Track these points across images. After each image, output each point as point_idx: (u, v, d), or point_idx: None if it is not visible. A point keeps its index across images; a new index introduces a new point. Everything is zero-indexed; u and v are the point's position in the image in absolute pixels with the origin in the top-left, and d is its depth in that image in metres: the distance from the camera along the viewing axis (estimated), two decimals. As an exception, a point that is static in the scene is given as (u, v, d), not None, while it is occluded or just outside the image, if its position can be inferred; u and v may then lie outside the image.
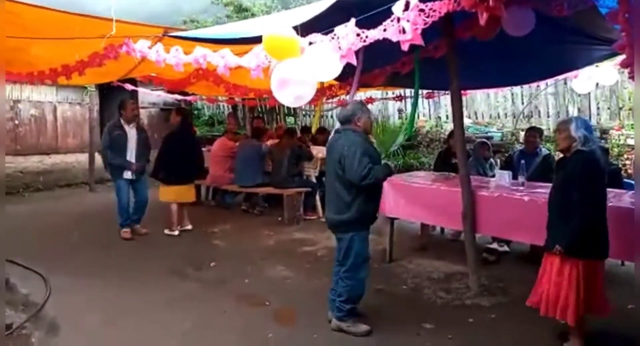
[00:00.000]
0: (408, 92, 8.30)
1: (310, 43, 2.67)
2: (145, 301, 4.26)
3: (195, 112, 13.40)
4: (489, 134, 8.55)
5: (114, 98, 9.85)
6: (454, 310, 4.08)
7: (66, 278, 4.67)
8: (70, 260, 5.33)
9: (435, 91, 7.54)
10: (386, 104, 10.38)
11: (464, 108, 9.61)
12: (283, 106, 11.51)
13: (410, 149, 9.36)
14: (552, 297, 3.21)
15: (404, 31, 2.31)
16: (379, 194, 3.72)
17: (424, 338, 3.59)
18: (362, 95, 8.24)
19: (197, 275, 4.98)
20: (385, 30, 2.37)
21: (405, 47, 2.38)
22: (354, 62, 2.59)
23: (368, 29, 2.47)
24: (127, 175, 6.10)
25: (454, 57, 4.28)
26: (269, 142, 7.81)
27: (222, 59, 3.36)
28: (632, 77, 3.31)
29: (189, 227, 6.66)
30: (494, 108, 9.33)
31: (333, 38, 2.53)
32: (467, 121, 9.26)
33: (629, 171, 6.10)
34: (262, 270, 5.07)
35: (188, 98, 9.61)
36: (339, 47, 2.49)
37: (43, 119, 10.11)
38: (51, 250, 5.69)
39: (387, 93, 8.58)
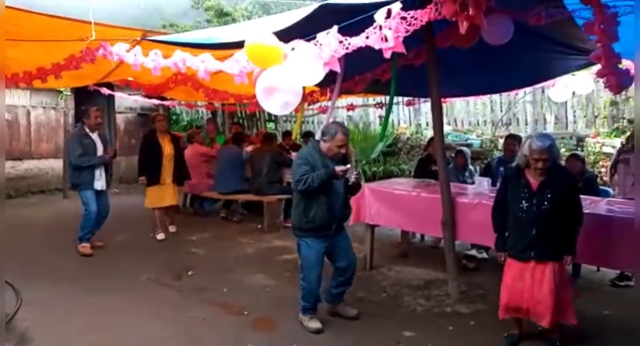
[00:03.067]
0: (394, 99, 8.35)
1: (293, 49, 2.64)
2: (123, 310, 4.15)
3: (174, 117, 13.25)
4: (468, 141, 8.65)
5: (90, 102, 9.67)
6: (434, 318, 4.07)
7: (39, 288, 4.53)
8: (43, 269, 5.18)
9: (415, 98, 7.59)
10: (367, 111, 10.42)
11: (444, 116, 9.75)
12: (263, 112, 11.48)
13: (390, 156, 9.41)
14: (550, 305, 3.28)
15: (386, 39, 2.31)
16: (326, 204, 3.64)
17: (405, 346, 3.58)
18: (343, 101, 8.25)
19: (175, 284, 4.88)
20: (367, 37, 2.37)
21: (387, 55, 2.38)
22: (338, 69, 2.58)
23: (350, 36, 2.47)
24: (98, 185, 5.69)
25: (434, 64, 4.30)
26: (249, 148, 7.75)
27: (203, 63, 3.32)
28: (608, 87, 3.40)
29: (174, 229, 6.70)
30: (473, 116, 9.45)
31: (315, 45, 2.51)
32: (446, 128, 9.35)
33: (604, 178, 6.22)
34: (241, 279, 5.00)
35: (166, 103, 9.49)
36: (322, 55, 2.47)
37: (16, 124, 9.84)
38: (23, 258, 5.51)
39: (368, 100, 8.61)
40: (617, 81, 3.34)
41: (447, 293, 4.48)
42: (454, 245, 4.47)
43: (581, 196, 4.44)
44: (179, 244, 6.29)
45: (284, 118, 11.86)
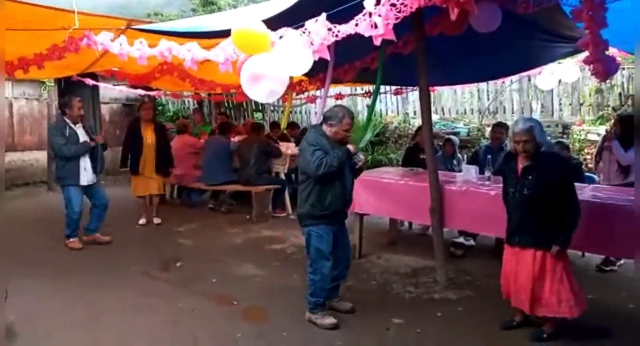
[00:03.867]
0: (381, 88, 8.34)
1: (281, 37, 2.61)
2: (112, 303, 4.13)
3: (160, 107, 13.08)
4: (456, 130, 8.68)
5: (74, 93, 9.49)
6: (423, 304, 4.11)
7: (26, 281, 4.45)
8: (29, 262, 5.09)
9: (403, 87, 7.58)
10: (355, 100, 10.39)
11: (432, 104, 9.77)
12: (251, 101, 11.39)
13: (378, 145, 9.42)
14: (539, 293, 3.29)
15: (375, 26, 2.29)
16: (340, 189, 3.61)
17: (393, 333, 3.61)
18: (331, 91, 8.20)
19: (164, 276, 4.86)
20: (357, 25, 2.35)
21: (377, 42, 2.36)
22: (328, 57, 2.55)
23: (339, 23, 2.44)
24: (84, 180, 5.45)
25: (423, 53, 4.29)
26: (236, 139, 7.70)
27: (189, 52, 3.27)
28: (595, 74, 3.41)
29: (158, 220, 6.66)
30: (460, 105, 9.47)
31: (304, 33, 2.48)
32: (434, 117, 9.33)
33: (589, 165, 6.29)
34: (230, 269, 4.99)
35: (152, 93, 9.36)
36: (311, 42, 2.45)
37: (-2, 115, 9.65)
38: (8, 252, 5.43)
39: (356, 90, 8.59)
40: (604, 68, 3.36)
41: (435, 280, 4.53)
42: (442, 233, 4.51)
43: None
44: (166, 235, 6.25)
45: (272, 108, 11.79)
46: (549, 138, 7.12)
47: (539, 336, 3.41)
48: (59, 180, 5.58)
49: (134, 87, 8.79)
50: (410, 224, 6.37)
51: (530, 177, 3.29)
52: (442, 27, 4.08)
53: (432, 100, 9.62)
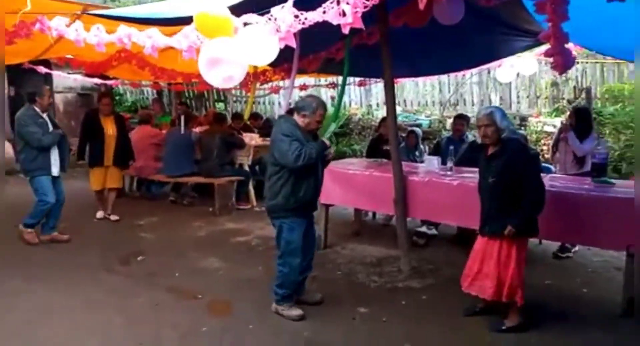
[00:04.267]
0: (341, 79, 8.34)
1: (245, 24, 2.55)
2: (70, 300, 3.98)
3: (117, 97, 12.69)
4: (418, 121, 8.81)
5: (25, 81, 9.08)
6: (387, 293, 4.16)
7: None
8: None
9: (367, 79, 7.61)
10: (319, 91, 10.37)
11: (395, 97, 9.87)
12: (213, 91, 11.19)
13: (342, 137, 9.44)
14: (484, 277, 3.36)
15: (344, 14, 2.26)
16: (313, 180, 3.58)
17: (359, 322, 3.64)
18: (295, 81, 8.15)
19: (124, 270, 4.72)
20: (325, 12, 2.31)
21: (345, 31, 2.34)
22: (294, 44, 2.51)
23: (307, 11, 2.40)
24: (55, 170, 5.28)
25: (387, 44, 4.31)
26: (198, 129, 7.54)
27: (150, 38, 3.15)
28: (554, 67, 3.50)
29: (116, 217, 6.39)
30: (422, 97, 9.62)
31: (270, 19, 2.43)
32: (397, 109, 9.46)
33: (546, 156, 6.51)
34: (192, 263, 4.89)
35: (109, 82, 9.05)
36: (277, 30, 2.40)
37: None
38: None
39: (320, 81, 8.57)
40: (564, 61, 3.46)
41: (399, 269, 4.59)
42: (405, 222, 4.57)
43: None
44: (126, 229, 6.08)
45: (234, 98, 11.62)
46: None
47: (498, 328, 3.45)
48: (29, 172, 5.29)
49: (90, 75, 8.46)
50: (374, 214, 6.43)
51: (494, 165, 3.34)
52: (406, 19, 4.10)
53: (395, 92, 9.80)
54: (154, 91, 11.80)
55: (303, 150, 3.35)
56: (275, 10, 2.42)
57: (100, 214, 6.44)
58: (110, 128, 6.17)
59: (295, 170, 3.44)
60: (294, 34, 2.43)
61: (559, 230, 4.01)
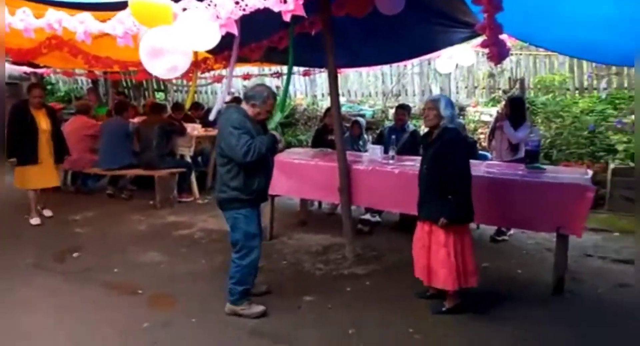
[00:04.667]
0: (286, 69, 8.26)
1: (184, 9, 2.45)
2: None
3: (49, 86, 11.98)
4: (362, 112, 8.89)
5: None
6: (333, 281, 4.20)
7: None
8: None
9: (311, 69, 7.58)
10: (264, 81, 10.25)
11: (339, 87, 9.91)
12: (152, 80, 10.80)
13: (288, 127, 9.40)
14: (433, 264, 3.43)
15: (285, 1, 2.22)
16: (265, 171, 3.53)
17: (305, 311, 3.66)
18: (238, 71, 8.00)
19: (59, 267, 4.51)
20: (266, -1, 2.25)
21: (286, 18, 2.30)
22: (235, 31, 2.44)
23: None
24: None
25: (330, 34, 4.31)
26: (136, 120, 7.26)
27: (82, 24, 2.98)
28: (489, 58, 3.61)
29: (49, 213, 6.05)
30: (365, 87, 9.71)
31: (209, 5, 2.34)
32: (341, 99, 9.50)
33: (483, 144, 6.75)
34: (132, 257, 4.74)
35: (39, 70, 8.53)
36: (217, 16, 2.32)
37: None
38: None
39: (264, 70, 8.44)
40: (499, 52, 3.58)
41: (344, 256, 4.65)
42: (350, 211, 4.61)
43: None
44: (61, 225, 5.79)
45: (175, 88, 11.27)
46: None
47: (438, 310, 3.58)
48: None
49: (18, 63, 7.93)
50: (319, 204, 6.45)
51: (429, 153, 3.45)
52: (348, 9, 4.10)
53: (339, 82, 9.83)
54: (89, 80, 11.25)
55: (252, 145, 3.25)
56: (215, -5, 2.34)
57: (36, 220, 5.85)
58: (43, 122, 5.76)
59: (246, 164, 3.34)
60: (235, 21, 2.36)
61: (494, 215, 4.18)
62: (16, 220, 5.83)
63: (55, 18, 2.98)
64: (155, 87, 11.40)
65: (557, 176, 4.18)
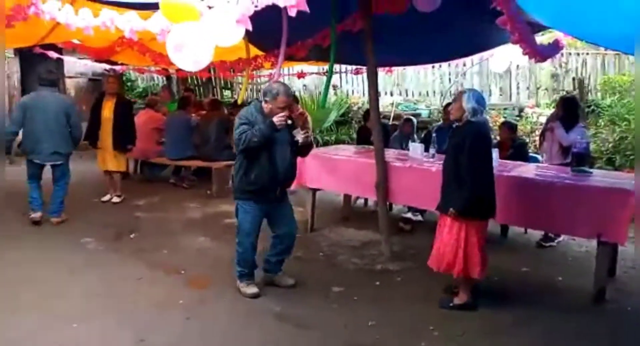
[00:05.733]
0: (343, 67, 8.41)
1: (210, 7, 2.66)
2: (58, 271, 4.20)
3: (129, 83, 12.92)
4: (417, 111, 8.84)
5: (36, 66, 9.33)
6: (364, 275, 4.28)
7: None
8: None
9: (363, 67, 7.64)
10: (322, 80, 10.44)
11: (395, 86, 9.92)
12: (219, 78, 11.33)
13: (342, 125, 9.54)
14: (442, 253, 3.48)
15: (289, -3, 2.35)
16: (268, 165, 3.52)
17: (331, 300, 3.78)
18: (293, 69, 8.23)
19: (115, 245, 4.93)
20: (272, -5, 2.39)
21: (291, 13, 2.44)
22: (249, 27, 2.61)
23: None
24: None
25: (370, 31, 4.39)
26: (199, 115, 7.70)
27: (129, 22, 3.29)
28: (526, 54, 3.53)
29: (116, 199, 6.56)
30: (423, 86, 9.64)
31: (229, 2, 2.54)
32: (397, 98, 9.54)
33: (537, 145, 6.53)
34: (182, 241, 5.08)
35: (117, 67, 9.23)
36: (234, 12, 2.50)
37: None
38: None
39: (321, 69, 8.61)
40: (535, 50, 3.48)
41: (381, 252, 4.70)
42: (386, 207, 4.69)
43: (511, 161, 4.72)
44: (125, 208, 6.30)
45: (240, 86, 11.73)
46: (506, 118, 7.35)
47: (446, 305, 3.60)
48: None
49: (99, 61, 8.66)
50: (365, 201, 6.53)
51: (449, 145, 3.49)
52: (387, 6, 4.15)
53: (395, 81, 9.83)
54: (164, 78, 12.00)
55: (244, 134, 3.40)
56: (231, -7, 2.52)
57: (106, 197, 6.56)
58: (107, 111, 6.27)
59: (245, 154, 3.51)
60: (250, 17, 2.53)
61: (534, 218, 4.09)
62: (89, 202, 6.43)
63: (108, 17, 3.31)
64: (222, 84, 11.94)
65: (603, 180, 4.01)
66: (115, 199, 6.57)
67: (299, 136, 3.61)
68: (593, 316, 3.57)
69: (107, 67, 9.18)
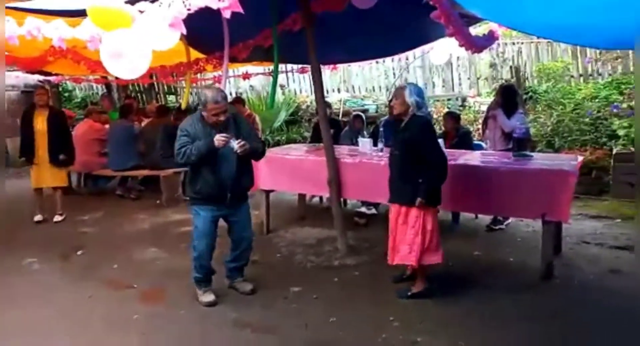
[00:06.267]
0: (289, 67, 8.39)
1: (141, 12, 2.57)
2: (1, 296, 3.96)
3: (66, 94, 12.36)
4: (365, 107, 8.94)
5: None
6: (322, 272, 4.28)
7: None
8: None
9: (307, 66, 7.64)
10: (267, 79, 10.37)
11: (342, 83, 9.99)
12: (162, 84, 11.04)
13: (292, 124, 9.52)
14: (397, 244, 3.54)
15: (222, -1, 2.31)
16: (211, 176, 3.50)
17: (290, 301, 3.75)
18: (238, 70, 8.14)
19: (62, 265, 4.69)
20: (205, -3, 2.35)
21: (226, 15, 2.39)
22: (184, 31, 2.54)
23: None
24: None
25: (311, 31, 4.38)
26: (144, 122, 7.47)
27: (56, 30, 3.13)
28: (462, 46, 3.63)
29: (58, 218, 6.17)
30: (369, 82, 9.75)
31: (160, 6, 2.46)
32: (345, 95, 9.61)
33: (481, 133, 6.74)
34: (132, 254, 4.90)
35: (51, 78, 8.81)
36: (167, 16, 2.43)
37: None
38: None
39: (265, 69, 8.55)
40: (470, 41, 3.58)
41: (337, 248, 4.71)
42: (339, 203, 4.69)
43: (455, 150, 4.84)
44: (69, 225, 6.01)
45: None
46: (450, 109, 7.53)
47: (404, 294, 3.67)
48: None
49: (32, 72, 8.23)
50: (321, 198, 6.52)
51: (399, 139, 3.54)
52: (326, 5, 4.16)
53: (341, 78, 9.91)
54: (103, 86, 11.56)
55: (184, 148, 3.44)
56: (163, -4, 2.45)
57: (38, 217, 6.11)
58: (39, 123, 5.93)
59: (188, 165, 3.54)
60: (184, 20, 2.47)
61: (480, 203, 4.21)
62: (29, 221, 6.08)
63: (35, 25, 3.14)
64: (166, 90, 11.64)
65: (542, 163, 4.17)
66: (57, 218, 6.16)
67: (235, 146, 3.40)
68: (543, 293, 3.72)
69: (41, 78, 8.76)
